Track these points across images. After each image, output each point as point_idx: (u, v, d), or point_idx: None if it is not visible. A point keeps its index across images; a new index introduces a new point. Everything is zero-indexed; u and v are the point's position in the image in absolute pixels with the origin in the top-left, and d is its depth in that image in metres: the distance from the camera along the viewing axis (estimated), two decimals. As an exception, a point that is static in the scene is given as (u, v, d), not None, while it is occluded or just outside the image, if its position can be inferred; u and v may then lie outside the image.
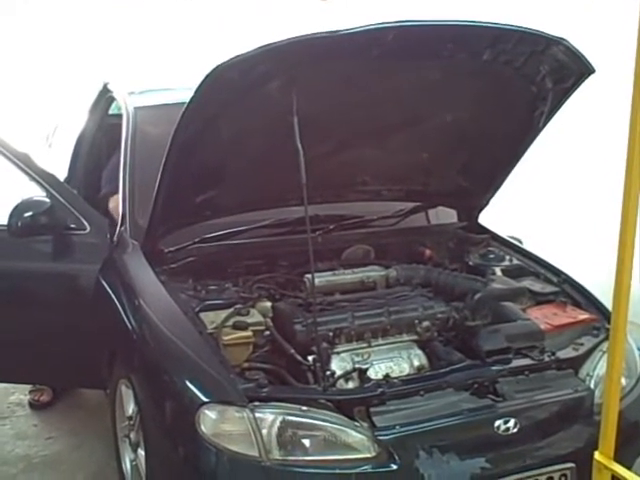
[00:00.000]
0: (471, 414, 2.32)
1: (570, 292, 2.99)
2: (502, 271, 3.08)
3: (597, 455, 1.90)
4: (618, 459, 1.89)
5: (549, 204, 4.95)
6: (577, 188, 4.76)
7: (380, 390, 2.29)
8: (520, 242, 3.49)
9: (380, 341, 2.60)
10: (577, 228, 4.67)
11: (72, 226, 3.14)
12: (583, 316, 2.84)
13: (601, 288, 2.41)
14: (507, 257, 3.20)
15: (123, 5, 7.35)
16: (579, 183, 4.75)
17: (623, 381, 2.49)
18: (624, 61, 1.98)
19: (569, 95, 2.78)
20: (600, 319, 2.80)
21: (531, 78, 2.71)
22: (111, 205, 3.41)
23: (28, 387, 4.05)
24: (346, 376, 2.41)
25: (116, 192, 3.25)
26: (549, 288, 3.01)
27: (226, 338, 2.45)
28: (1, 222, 3.05)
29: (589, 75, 2.66)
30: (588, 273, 3.19)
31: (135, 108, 3.44)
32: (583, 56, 2.59)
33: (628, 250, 1.76)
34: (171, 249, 2.87)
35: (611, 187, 2.19)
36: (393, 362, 2.52)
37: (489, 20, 2.49)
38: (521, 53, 2.58)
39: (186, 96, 2.38)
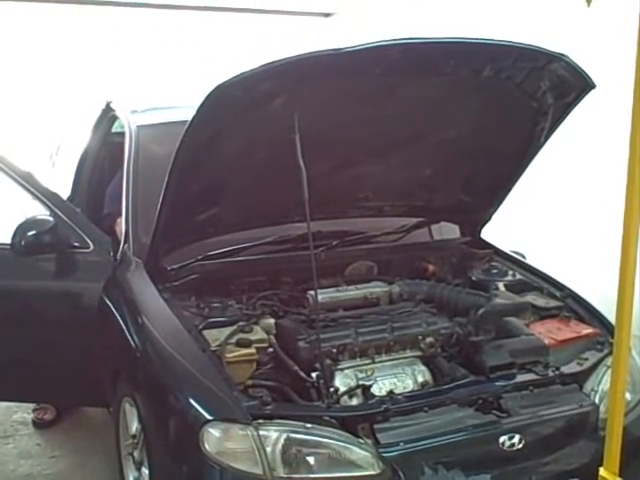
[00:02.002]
0: (476, 430, 2.32)
1: (574, 306, 2.99)
2: (505, 286, 3.08)
3: (602, 471, 1.90)
4: (623, 475, 1.88)
5: (552, 216, 4.96)
6: (579, 200, 4.77)
7: (384, 406, 2.28)
8: (523, 257, 3.49)
9: (384, 357, 2.59)
10: (580, 241, 4.67)
11: (75, 244, 3.14)
12: (587, 331, 2.84)
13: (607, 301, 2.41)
14: (510, 272, 3.21)
15: (125, 23, 7.39)
16: (581, 195, 4.75)
17: (628, 396, 2.48)
18: (624, 65, 1.99)
19: (570, 110, 2.79)
20: (604, 333, 2.80)
21: (532, 94, 2.73)
22: (117, 229, 3.40)
23: (32, 406, 4.05)
24: (350, 393, 2.40)
25: (121, 214, 3.25)
26: (552, 303, 3.01)
27: (229, 355, 2.44)
28: (5, 241, 3.06)
29: (590, 90, 2.67)
30: (594, 286, 3.19)
31: (138, 126, 3.46)
32: (584, 71, 2.61)
33: (630, 264, 1.76)
34: (174, 267, 2.87)
35: (613, 199, 2.19)
36: (397, 378, 2.52)
37: (491, 35, 2.51)
38: (522, 69, 2.60)
39: (189, 114, 2.39)
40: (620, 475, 1.88)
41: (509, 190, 3.19)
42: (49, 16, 7.25)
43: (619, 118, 2.25)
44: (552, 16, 4.84)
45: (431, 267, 3.27)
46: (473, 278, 3.16)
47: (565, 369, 2.58)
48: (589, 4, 1.94)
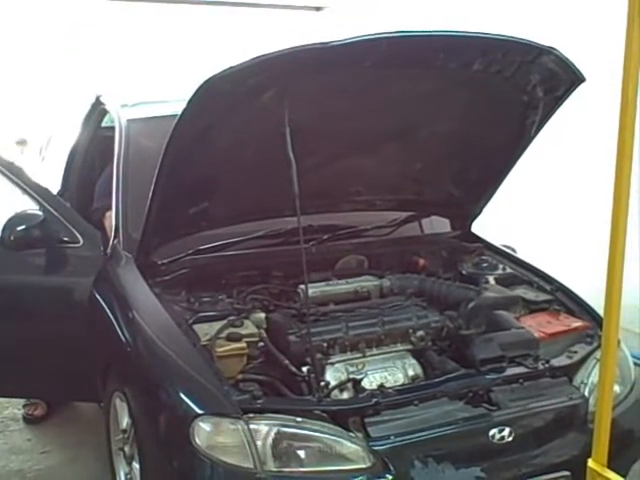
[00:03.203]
0: (466, 423, 2.33)
1: (563, 300, 3.00)
2: (495, 280, 3.08)
3: (591, 463, 1.90)
4: (613, 467, 1.89)
5: (542, 210, 4.97)
6: (568, 195, 4.78)
7: (375, 400, 2.28)
8: (513, 251, 3.50)
9: (374, 351, 2.60)
10: (569, 235, 4.69)
11: (65, 239, 3.13)
12: (577, 324, 2.85)
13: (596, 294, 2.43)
14: (500, 266, 3.21)
15: (115, 17, 7.37)
16: (570, 189, 4.76)
17: (617, 388, 2.50)
18: (613, 59, 1.99)
19: (560, 104, 2.79)
20: (594, 326, 2.81)
21: (522, 87, 2.72)
22: (106, 223, 3.39)
23: (22, 401, 4.03)
24: (340, 386, 2.41)
25: (110, 208, 3.24)
26: (542, 296, 3.02)
27: (220, 350, 2.44)
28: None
29: (580, 84, 2.67)
30: (584, 280, 3.20)
31: (128, 120, 3.44)
32: (573, 65, 2.61)
33: (618, 257, 1.76)
34: (164, 261, 2.87)
35: (601, 193, 2.20)
36: (387, 372, 2.52)
37: (484, 28, 2.51)
38: (511, 63, 2.59)
39: (179, 108, 2.38)
40: (609, 466, 1.88)
41: (499, 184, 3.19)
42: (43, 9, 7.22)
43: (608, 112, 2.25)
44: (543, 9, 4.85)
45: (422, 261, 3.27)
46: (463, 272, 3.17)
47: (555, 362, 2.59)
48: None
